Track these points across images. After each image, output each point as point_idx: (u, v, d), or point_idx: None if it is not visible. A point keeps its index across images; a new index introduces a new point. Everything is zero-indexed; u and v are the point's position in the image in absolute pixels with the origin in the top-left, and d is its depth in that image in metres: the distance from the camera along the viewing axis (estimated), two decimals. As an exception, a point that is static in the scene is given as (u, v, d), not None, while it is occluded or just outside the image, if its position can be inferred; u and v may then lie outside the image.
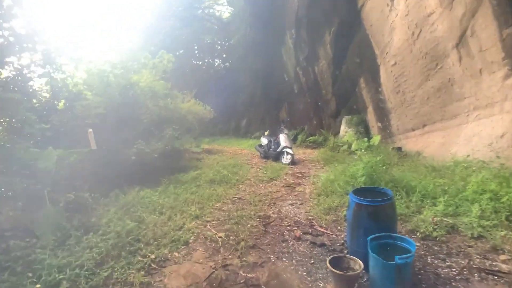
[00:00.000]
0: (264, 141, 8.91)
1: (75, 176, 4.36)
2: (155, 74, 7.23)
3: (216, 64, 22.74)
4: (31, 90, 4.55)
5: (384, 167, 4.67)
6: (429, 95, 6.65)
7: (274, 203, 4.36)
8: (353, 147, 8.40)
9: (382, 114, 8.69)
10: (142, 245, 3.14)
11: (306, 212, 3.92)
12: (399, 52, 6.90)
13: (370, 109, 9.39)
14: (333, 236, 3.23)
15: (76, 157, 4.49)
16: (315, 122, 11.98)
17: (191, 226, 3.62)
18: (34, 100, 4.75)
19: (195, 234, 3.44)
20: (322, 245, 3.00)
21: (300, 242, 3.12)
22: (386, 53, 7.50)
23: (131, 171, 5.59)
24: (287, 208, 4.13)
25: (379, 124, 9.04)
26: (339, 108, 10.74)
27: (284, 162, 7.81)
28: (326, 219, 3.60)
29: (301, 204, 4.27)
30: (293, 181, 5.69)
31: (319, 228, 3.36)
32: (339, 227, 3.41)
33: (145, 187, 5.17)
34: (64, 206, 3.70)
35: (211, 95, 17.07)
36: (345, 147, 8.52)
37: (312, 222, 3.57)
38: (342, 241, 3.07)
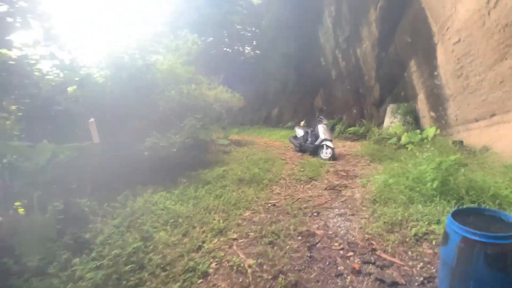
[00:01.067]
0: (299, 132, 8.15)
1: (75, 175, 3.75)
2: (178, 57, 6.61)
3: (247, 51, 21.91)
4: (37, 73, 4.04)
5: (462, 169, 3.74)
6: (504, 78, 5.53)
7: (318, 213, 3.64)
8: (403, 140, 7.43)
9: (437, 102, 7.59)
10: (146, 275, 2.48)
11: (360, 227, 3.15)
12: (466, 27, 5.76)
13: (421, 97, 8.28)
14: (405, 268, 2.40)
15: (74, 152, 3.85)
16: (355, 111, 10.97)
17: (213, 247, 2.93)
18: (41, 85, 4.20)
19: (217, 259, 2.73)
20: (394, 284, 2.21)
21: (360, 278, 2.32)
22: (447, 29, 6.36)
23: (143, 169, 4.84)
24: (335, 220, 3.41)
25: (432, 114, 7.95)
26: (384, 96, 9.68)
27: (324, 157, 7.04)
28: (390, 240, 2.77)
29: (352, 214, 3.51)
30: (337, 182, 4.95)
31: (385, 255, 2.55)
32: (410, 253, 2.58)
33: (160, 188, 4.50)
34: (55, 215, 3.05)
35: (241, 83, 16.20)
36: (394, 140, 7.54)
37: (372, 244, 2.77)
38: (422, 278, 2.24)
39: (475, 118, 6.60)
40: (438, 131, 7.43)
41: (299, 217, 3.50)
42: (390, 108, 9.41)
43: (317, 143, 7.32)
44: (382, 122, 10.06)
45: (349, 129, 10.47)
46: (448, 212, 2.48)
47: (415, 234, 2.77)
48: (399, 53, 8.32)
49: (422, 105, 8.37)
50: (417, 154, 6.12)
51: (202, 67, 8.14)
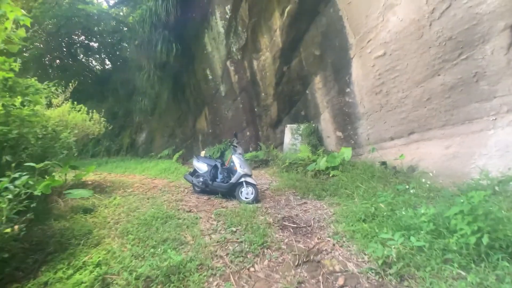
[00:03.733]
0: (201, 167, 5.80)
1: None
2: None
3: (95, 62, 17.84)
4: None
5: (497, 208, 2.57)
6: (431, 95, 5.18)
7: None
8: (321, 165, 6.28)
9: (346, 121, 6.98)
10: None
11: None
12: (397, 39, 5.16)
13: (326, 116, 7.58)
14: None
15: None
16: (248, 133, 9.53)
17: None
18: None
19: None
20: None
21: None
22: (368, 42, 5.72)
23: None
24: None
25: (339, 134, 7.32)
26: (281, 116, 8.67)
27: (245, 198, 4.99)
28: None
29: None
30: (301, 245, 3.11)
31: None
32: None
33: None
34: None
35: (94, 101, 12.89)
36: (312, 166, 6.29)
37: None
38: None
39: (390, 136, 6.21)
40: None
41: None
42: (289, 129, 8.47)
43: (233, 180, 5.20)
44: (280, 144, 9.06)
45: (246, 155, 8.84)
46: None
47: None
48: (304, 67, 7.44)
49: (326, 124, 7.70)
50: (360, 184, 5.10)
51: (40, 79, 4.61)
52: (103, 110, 15.08)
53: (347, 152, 6.53)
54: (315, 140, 7.92)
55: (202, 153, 6.43)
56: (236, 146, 5.59)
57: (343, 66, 6.54)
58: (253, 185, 5.10)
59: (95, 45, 17.82)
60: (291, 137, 8.43)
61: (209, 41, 8.92)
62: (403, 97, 5.64)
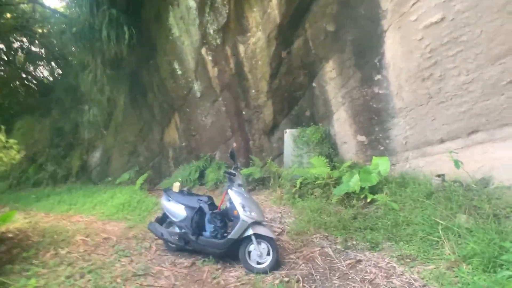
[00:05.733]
0: (175, 210, 3.93)
1: None
2: None
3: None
4: None
5: None
6: None
7: None
8: (353, 185, 4.67)
9: (373, 120, 5.63)
10: None
11: None
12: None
13: (341, 115, 6.19)
14: None
15: None
16: (235, 144, 7.90)
17: None
18: None
19: None
20: None
21: None
22: (414, 4, 4.29)
23: None
24: None
25: (362, 138, 5.94)
26: (278, 119, 7.21)
27: (256, 264, 3.27)
28: None
29: None
30: None
31: None
32: None
33: None
34: None
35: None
36: (341, 189, 4.69)
37: None
38: None
39: (440, 138, 4.90)
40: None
41: None
42: (290, 135, 6.94)
43: (234, 235, 3.41)
44: (278, 156, 7.48)
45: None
46: None
47: None
48: (310, 50, 5.94)
49: (342, 126, 6.26)
50: (427, 217, 3.52)
51: None
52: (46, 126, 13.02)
53: (383, 164, 5.00)
54: (328, 149, 6.38)
55: (176, 186, 4.48)
56: (233, 174, 3.77)
57: (370, 44, 5.08)
58: (269, 240, 3.34)
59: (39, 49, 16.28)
60: (294, 146, 6.86)
61: (176, 21, 7.11)
62: (466, 82, 4.26)
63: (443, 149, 4.81)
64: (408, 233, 3.32)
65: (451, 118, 4.57)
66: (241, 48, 6.50)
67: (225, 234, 3.55)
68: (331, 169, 5.54)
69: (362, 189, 4.60)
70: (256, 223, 3.36)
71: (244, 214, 3.33)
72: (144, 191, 7.92)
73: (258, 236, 3.32)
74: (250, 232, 3.32)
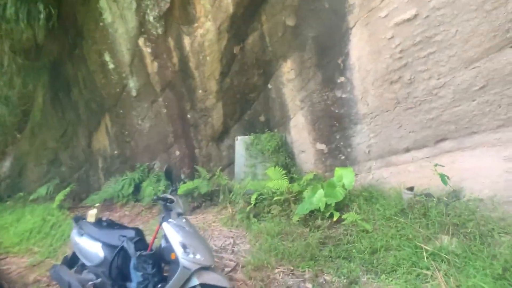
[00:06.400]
0: (90, 249, 2.96)
1: None
2: None
3: None
4: None
5: None
6: (488, 81, 3.86)
7: None
8: (317, 203, 4.20)
9: (334, 127, 5.29)
10: None
11: None
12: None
13: (299, 121, 5.79)
14: None
15: None
16: (178, 152, 7.09)
17: None
18: None
19: None
20: None
21: None
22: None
23: None
24: None
25: (321, 147, 5.62)
26: (229, 124, 6.64)
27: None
28: None
29: None
30: None
31: None
32: None
33: None
34: None
35: None
36: (304, 207, 4.17)
37: None
38: None
39: (406, 147, 4.72)
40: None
41: None
42: (242, 143, 6.37)
43: (172, 285, 2.57)
44: (228, 166, 6.84)
45: (180, 188, 6.25)
46: None
47: None
48: (267, 47, 5.43)
49: (300, 134, 5.85)
50: (408, 239, 3.09)
51: None
52: None
53: (347, 176, 4.63)
54: (285, 158, 5.88)
55: (91, 215, 3.39)
56: (170, 200, 2.90)
57: (334, 42, 4.69)
58: None
59: None
60: (247, 155, 6.27)
61: (108, 4, 6.07)
62: (437, 87, 4.05)
63: (409, 158, 4.59)
64: (390, 262, 2.85)
65: (418, 125, 4.32)
66: (187, 40, 5.71)
67: (159, 286, 2.69)
68: (290, 182, 5.02)
69: (327, 205, 4.10)
70: (204, 268, 2.59)
71: (186, 258, 2.51)
72: (64, 210, 6.66)
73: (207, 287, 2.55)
74: (195, 282, 2.50)
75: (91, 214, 3.27)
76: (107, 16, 6.23)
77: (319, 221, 4.05)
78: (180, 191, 6.14)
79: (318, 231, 3.86)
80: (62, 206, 7.00)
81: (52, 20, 6.04)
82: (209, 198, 6.06)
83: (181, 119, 6.73)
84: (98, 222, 3.22)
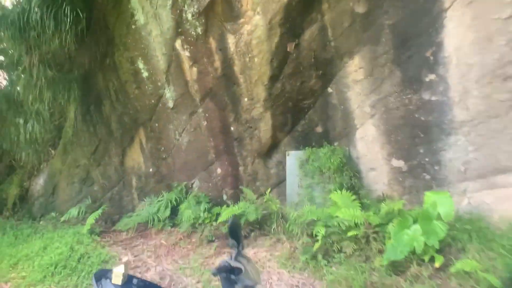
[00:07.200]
0: None
1: None
2: None
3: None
4: None
5: None
6: None
7: None
8: (412, 243, 3.28)
9: (417, 138, 4.39)
10: None
11: None
12: None
13: (367, 131, 5.03)
14: None
15: None
16: (220, 171, 6.47)
17: None
18: None
19: None
20: None
21: None
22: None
23: None
24: None
25: (398, 163, 4.71)
26: (279, 136, 5.86)
27: None
28: None
29: None
30: None
31: None
32: None
33: None
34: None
35: None
36: (394, 251, 3.27)
37: None
38: None
39: None
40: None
41: None
42: (293, 158, 5.76)
43: None
44: (278, 186, 6.17)
45: (222, 210, 5.59)
46: None
47: None
48: (329, 41, 4.66)
49: (369, 148, 5.02)
50: None
51: None
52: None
53: (444, 203, 3.65)
54: (349, 178, 5.01)
55: (118, 273, 2.69)
56: (238, 271, 2.02)
57: (420, 30, 3.84)
58: None
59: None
60: (300, 174, 5.56)
61: (141, 4, 5.63)
62: None
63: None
64: None
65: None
66: (231, 40, 5.08)
67: None
68: (364, 210, 4.14)
69: (426, 248, 3.18)
70: None
71: None
72: (95, 236, 6.22)
73: None
74: None
75: (118, 274, 2.57)
76: (140, 17, 5.77)
77: (414, 267, 3.14)
78: (223, 217, 5.50)
79: (416, 282, 2.95)
80: (93, 231, 6.60)
81: (81, 25, 5.70)
82: (258, 227, 5.30)
83: (223, 133, 6.10)
84: (127, 285, 2.53)
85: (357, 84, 4.65)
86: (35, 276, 4.46)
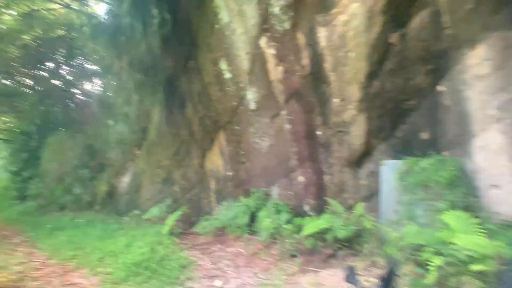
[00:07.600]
0: None
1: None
2: None
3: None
4: None
5: None
6: None
7: None
8: None
9: None
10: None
11: None
12: None
13: (490, 139, 4.34)
14: None
15: None
16: (302, 179, 6.11)
17: None
18: None
19: None
20: None
21: None
22: None
23: None
24: None
25: None
26: (373, 142, 5.28)
27: None
28: None
29: None
30: None
31: None
32: None
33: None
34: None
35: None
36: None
37: None
38: None
39: None
40: None
41: None
42: (389, 169, 5.09)
43: None
44: (368, 200, 5.49)
45: (306, 226, 5.18)
46: None
47: None
48: (443, 29, 3.89)
49: (492, 159, 4.27)
50: None
51: None
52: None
53: None
54: (464, 195, 4.23)
55: None
56: None
57: None
58: None
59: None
60: (399, 187, 4.84)
61: (225, 2, 5.56)
62: None
63: None
64: None
65: None
66: (322, 33, 4.67)
67: None
68: (491, 238, 3.38)
69: None
70: None
71: None
72: (174, 238, 6.36)
73: None
74: None
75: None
76: (224, 16, 5.71)
77: None
78: (306, 231, 5.09)
79: None
80: (172, 232, 6.79)
81: (167, 27, 5.87)
82: (348, 245, 4.78)
83: (308, 137, 5.72)
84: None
85: (480, 81, 3.87)
86: (119, 274, 4.67)
